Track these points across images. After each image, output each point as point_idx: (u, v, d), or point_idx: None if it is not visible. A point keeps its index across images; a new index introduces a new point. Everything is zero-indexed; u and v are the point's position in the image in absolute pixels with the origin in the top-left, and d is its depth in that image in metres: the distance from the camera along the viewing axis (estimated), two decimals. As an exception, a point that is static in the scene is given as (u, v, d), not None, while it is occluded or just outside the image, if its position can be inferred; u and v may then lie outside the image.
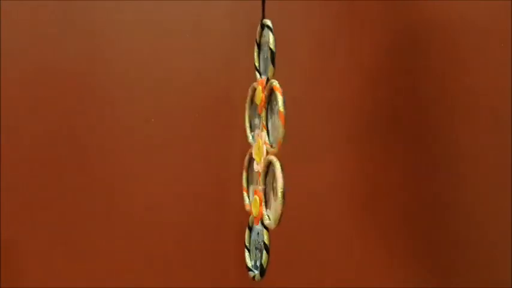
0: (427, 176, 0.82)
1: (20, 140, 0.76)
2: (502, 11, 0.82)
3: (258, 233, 0.61)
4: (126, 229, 0.78)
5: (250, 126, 0.66)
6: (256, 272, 0.60)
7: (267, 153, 0.58)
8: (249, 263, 0.62)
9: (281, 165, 0.54)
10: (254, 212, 0.60)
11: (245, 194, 0.66)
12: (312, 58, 0.81)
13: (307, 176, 0.80)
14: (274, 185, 0.56)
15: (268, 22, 0.61)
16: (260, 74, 0.63)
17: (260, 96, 0.60)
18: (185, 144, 0.79)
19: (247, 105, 0.66)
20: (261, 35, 0.63)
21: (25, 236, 0.76)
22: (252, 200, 0.62)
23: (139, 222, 0.78)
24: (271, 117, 0.60)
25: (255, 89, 0.64)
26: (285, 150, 0.76)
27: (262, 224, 0.58)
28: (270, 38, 0.59)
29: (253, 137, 0.65)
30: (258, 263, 0.61)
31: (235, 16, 0.77)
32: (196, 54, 0.79)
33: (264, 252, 0.57)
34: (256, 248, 0.62)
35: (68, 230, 0.77)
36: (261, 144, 0.60)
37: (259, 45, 0.63)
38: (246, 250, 0.63)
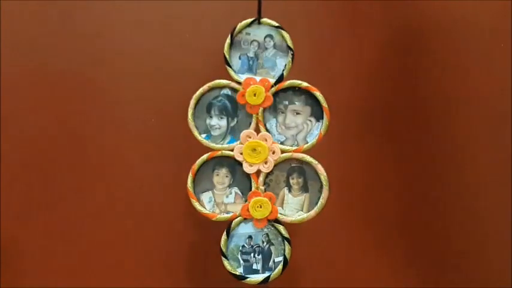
0: (427, 176, 0.82)
1: (20, 139, 0.76)
2: (502, 11, 0.82)
3: (252, 237, 0.61)
4: (127, 229, 0.78)
5: (197, 128, 0.62)
6: (265, 274, 0.61)
7: (282, 151, 0.60)
8: (234, 271, 0.61)
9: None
10: (259, 214, 0.60)
11: (194, 201, 0.61)
12: (311, 58, 0.81)
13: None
14: (297, 180, 0.60)
15: (275, 22, 0.61)
16: (235, 72, 0.62)
17: (262, 95, 0.60)
18: (185, 145, 0.79)
19: (192, 103, 0.63)
20: (240, 31, 0.62)
21: (25, 236, 0.76)
22: (234, 205, 0.62)
23: (139, 222, 0.78)
24: (274, 117, 0.60)
25: (211, 88, 0.63)
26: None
27: (277, 221, 0.60)
28: (287, 37, 0.61)
29: (209, 138, 0.62)
30: (258, 266, 0.61)
31: (236, 16, 0.77)
32: (197, 54, 0.79)
33: (287, 244, 0.60)
34: (246, 253, 0.61)
35: (68, 230, 0.77)
36: (266, 144, 0.60)
37: (232, 41, 0.63)
38: (224, 258, 0.61)
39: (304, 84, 0.60)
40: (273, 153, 0.60)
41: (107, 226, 0.77)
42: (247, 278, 0.61)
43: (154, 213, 0.78)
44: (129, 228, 0.78)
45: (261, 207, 0.60)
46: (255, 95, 0.60)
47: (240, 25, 0.62)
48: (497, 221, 0.82)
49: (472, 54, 0.82)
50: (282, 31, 0.61)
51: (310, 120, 0.60)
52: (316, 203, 0.60)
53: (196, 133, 0.62)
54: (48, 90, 0.76)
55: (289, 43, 0.61)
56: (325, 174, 0.60)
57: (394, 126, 0.82)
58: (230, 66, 0.62)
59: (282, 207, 0.61)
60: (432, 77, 0.81)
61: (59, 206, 0.76)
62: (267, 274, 0.60)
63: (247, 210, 0.60)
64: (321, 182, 0.60)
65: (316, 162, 0.60)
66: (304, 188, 0.60)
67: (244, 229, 0.61)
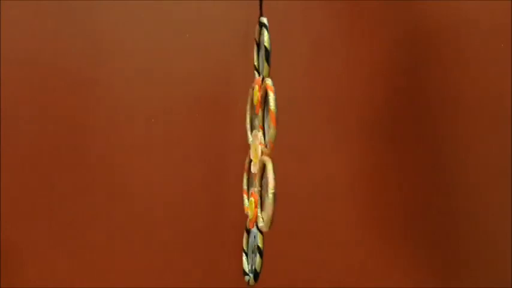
0: (429, 176, 0.82)
1: (20, 139, 0.76)
2: (502, 11, 0.82)
3: (255, 236, 0.60)
4: (127, 229, 0.78)
5: (251, 128, 0.64)
6: (251, 276, 0.60)
7: (262, 153, 0.56)
8: (246, 268, 0.61)
9: (273, 166, 0.52)
10: (250, 214, 0.59)
11: (245, 196, 0.64)
12: (312, 57, 0.81)
13: (307, 176, 0.80)
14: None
15: (264, 20, 0.60)
16: (259, 74, 0.62)
17: (257, 95, 0.60)
18: (184, 144, 0.79)
19: (248, 106, 0.64)
20: (260, 34, 0.63)
21: (25, 236, 0.76)
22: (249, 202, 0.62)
23: (139, 222, 0.78)
24: (266, 117, 0.59)
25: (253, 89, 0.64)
26: (285, 150, 0.76)
27: (257, 226, 0.56)
28: (265, 36, 0.57)
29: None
30: (254, 267, 0.61)
31: (235, 16, 0.77)
32: (196, 54, 0.79)
33: (258, 256, 0.55)
34: (252, 252, 0.61)
35: (68, 230, 0.77)
36: (257, 144, 0.59)
37: (258, 44, 0.63)
38: (244, 254, 0.62)
39: (266, 82, 0.55)
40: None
41: (106, 226, 0.77)
42: (248, 275, 0.61)
43: (154, 213, 0.78)
44: (129, 228, 0.78)
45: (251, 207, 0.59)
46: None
47: (256, 30, 0.61)
48: (497, 221, 0.82)
49: (472, 54, 0.82)
50: (263, 29, 0.58)
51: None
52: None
53: (248, 133, 0.64)
54: (48, 90, 0.76)
55: (265, 41, 0.57)
56: (272, 186, 0.50)
57: (396, 126, 0.82)
58: (257, 70, 0.62)
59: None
60: (433, 77, 0.81)
61: (59, 206, 0.76)
62: (248, 277, 0.60)
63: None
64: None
65: (270, 169, 0.51)
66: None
67: (255, 228, 0.60)
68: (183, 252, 0.79)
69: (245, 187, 0.64)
